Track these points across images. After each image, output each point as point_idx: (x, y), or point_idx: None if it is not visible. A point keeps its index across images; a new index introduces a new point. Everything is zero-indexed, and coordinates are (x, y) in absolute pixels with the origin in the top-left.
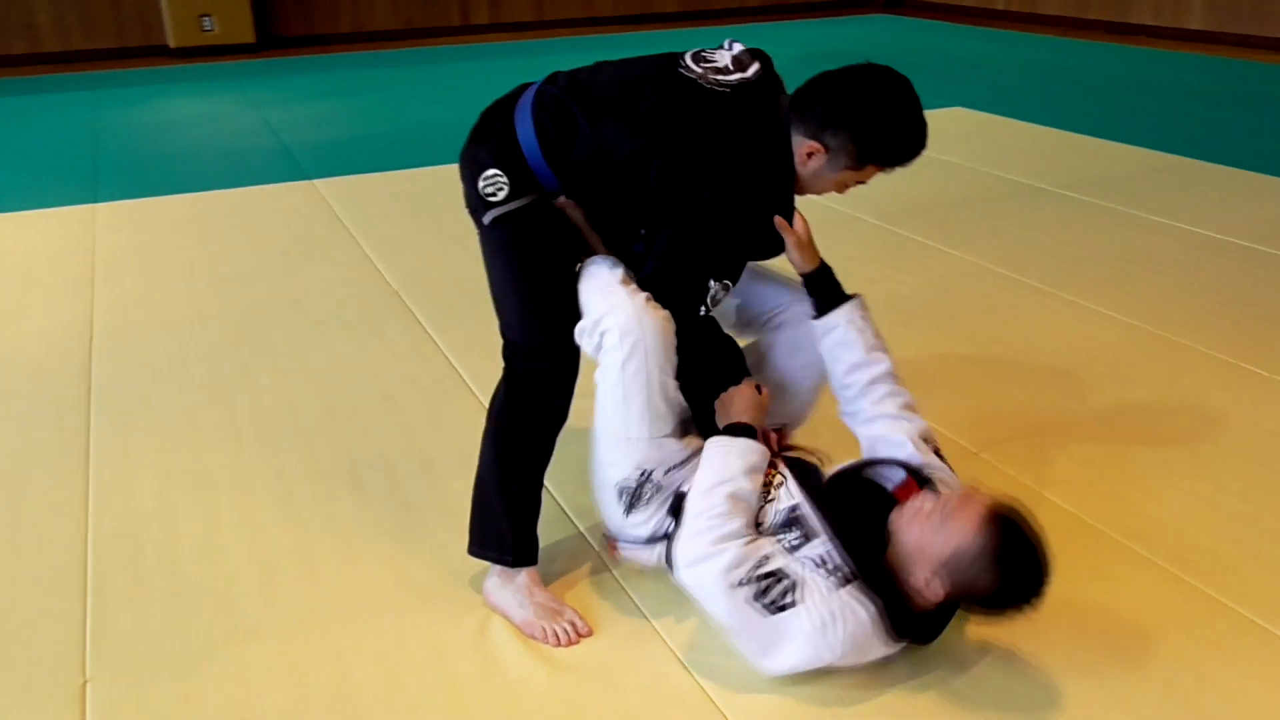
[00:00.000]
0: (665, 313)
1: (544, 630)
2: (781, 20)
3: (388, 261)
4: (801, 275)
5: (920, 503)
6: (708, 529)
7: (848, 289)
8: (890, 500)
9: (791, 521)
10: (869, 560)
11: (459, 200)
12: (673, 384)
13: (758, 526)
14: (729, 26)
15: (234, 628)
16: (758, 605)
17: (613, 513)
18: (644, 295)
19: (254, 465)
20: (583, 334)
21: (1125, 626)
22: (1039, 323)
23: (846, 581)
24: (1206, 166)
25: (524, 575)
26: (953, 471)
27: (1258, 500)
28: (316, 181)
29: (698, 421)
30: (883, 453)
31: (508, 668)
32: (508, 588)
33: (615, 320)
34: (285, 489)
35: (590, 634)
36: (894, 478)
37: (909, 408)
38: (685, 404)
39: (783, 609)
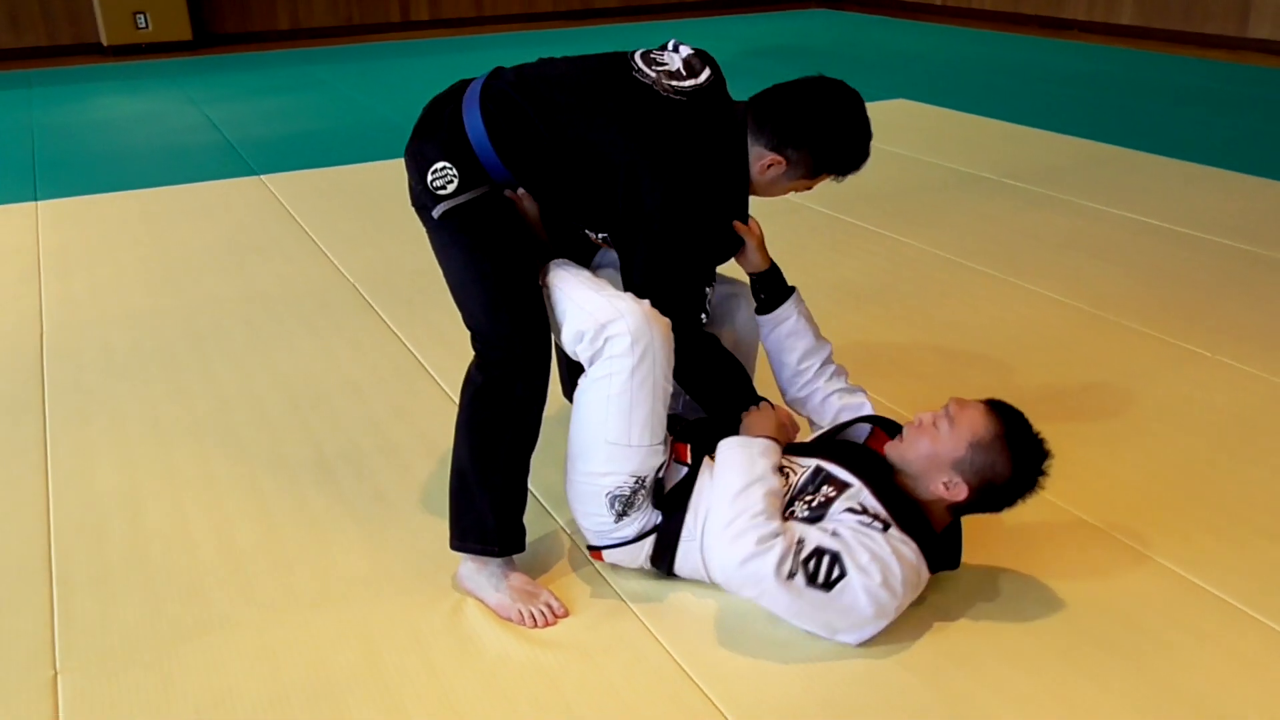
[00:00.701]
0: (668, 321)
1: (520, 613)
2: (722, 15)
3: (342, 255)
4: (752, 275)
5: (915, 422)
6: (752, 528)
7: (797, 275)
8: (867, 451)
9: (821, 480)
10: (900, 503)
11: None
12: (670, 389)
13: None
14: (669, 22)
15: (207, 616)
16: (814, 588)
17: (599, 521)
18: (647, 301)
19: (219, 458)
20: (580, 339)
21: (1086, 597)
22: (986, 306)
23: (886, 527)
24: (1140, 156)
25: (498, 560)
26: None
27: (1200, 473)
28: (264, 177)
29: (714, 438)
30: (846, 419)
31: (485, 648)
32: (482, 573)
33: (626, 325)
34: (252, 480)
35: (566, 615)
36: (862, 433)
37: (848, 380)
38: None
39: (836, 583)
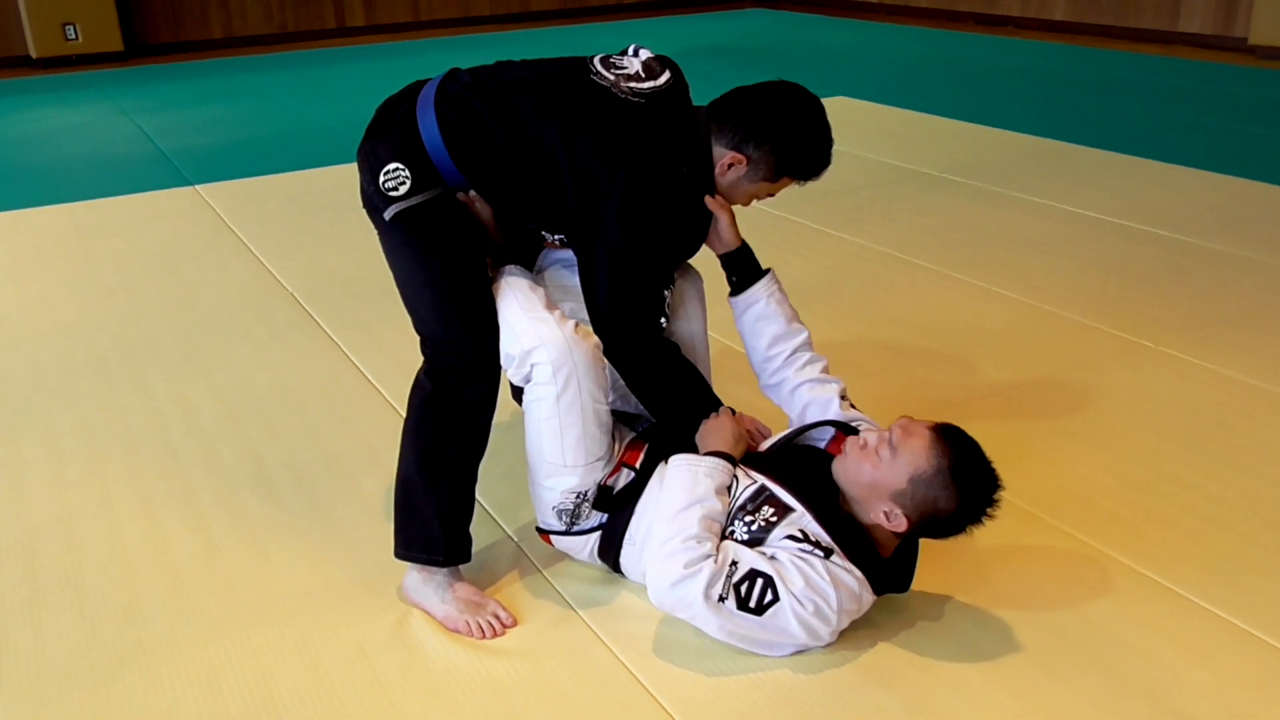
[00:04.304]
0: (595, 340)
1: (468, 624)
2: (659, 16)
3: (279, 263)
4: (722, 255)
5: (860, 441)
6: (683, 551)
7: None
8: (826, 458)
9: (763, 500)
10: (844, 529)
11: (348, 200)
12: (605, 409)
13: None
14: (607, 23)
15: (146, 637)
16: (745, 612)
17: (551, 524)
18: (572, 323)
19: (154, 473)
20: (510, 362)
21: (1039, 592)
22: (932, 301)
23: (828, 554)
24: (1075, 149)
25: (445, 571)
26: (875, 424)
27: (1149, 465)
28: (199, 187)
29: (673, 449)
30: (811, 416)
31: (432, 660)
32: (429, 584)
33: (547, 355)
34: (190, 495)
35: (514, 624)
36: (824, 437)
37: (826, 371)
38: (612, 420)
39: (768, 607)
